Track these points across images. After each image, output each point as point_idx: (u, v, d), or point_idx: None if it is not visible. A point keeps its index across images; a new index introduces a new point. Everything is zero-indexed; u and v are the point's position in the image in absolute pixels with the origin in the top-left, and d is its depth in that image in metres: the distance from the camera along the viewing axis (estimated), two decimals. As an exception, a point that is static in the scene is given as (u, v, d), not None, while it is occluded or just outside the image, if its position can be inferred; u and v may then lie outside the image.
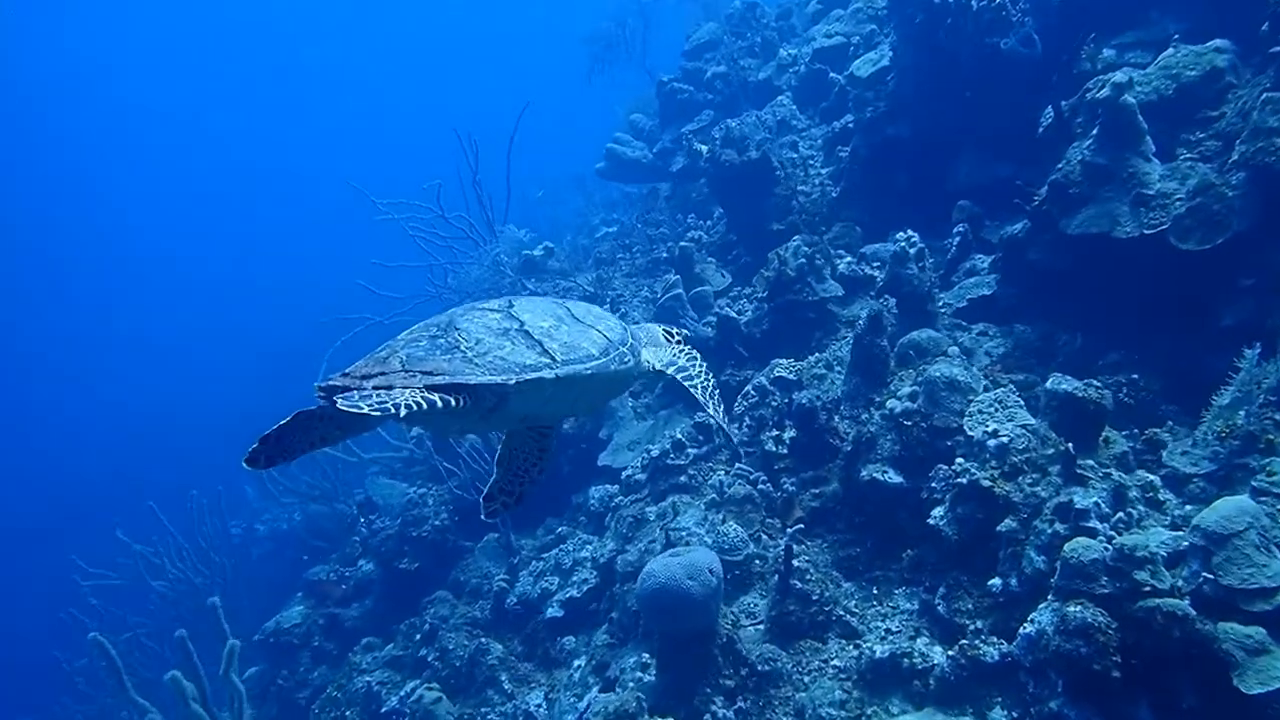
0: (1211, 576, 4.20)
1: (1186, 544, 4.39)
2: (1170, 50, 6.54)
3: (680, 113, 13.29)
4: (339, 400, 2.58)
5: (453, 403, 2.86)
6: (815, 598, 5.58)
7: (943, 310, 7.37)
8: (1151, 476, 4.90)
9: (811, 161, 10.24)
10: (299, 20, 58.31)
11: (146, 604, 12.89)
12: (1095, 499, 4.68)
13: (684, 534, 6.39)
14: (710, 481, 6.95)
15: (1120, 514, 4.65)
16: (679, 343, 4.13)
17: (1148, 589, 4.21)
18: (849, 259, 8.04)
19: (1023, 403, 5.49)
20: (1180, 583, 4.34)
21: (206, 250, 49.23)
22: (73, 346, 40.06)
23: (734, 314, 8.17)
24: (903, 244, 6.95)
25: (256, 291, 41.41)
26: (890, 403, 5.91)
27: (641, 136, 14.40)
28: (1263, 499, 4.54)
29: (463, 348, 3.03)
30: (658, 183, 14.03)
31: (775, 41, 12.91)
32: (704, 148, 10.05)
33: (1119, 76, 6.19)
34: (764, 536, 6.37)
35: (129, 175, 53.99)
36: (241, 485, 13.77)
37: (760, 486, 6.63)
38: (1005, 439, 5.14)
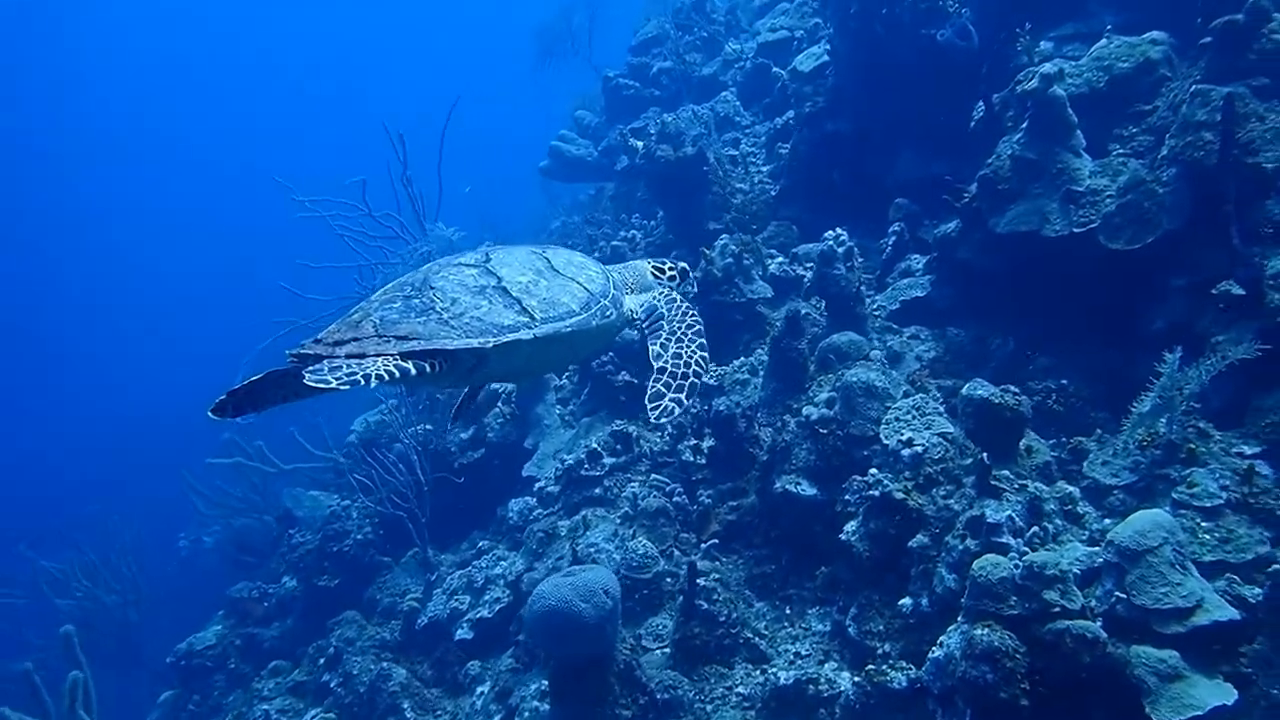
0: (1125, 596, 4.02)
1: (1101, 561, 4.22)
2: (1103, 41, 6.43)
3: (627, 109, 13.08)
4: (306, 375, 2.54)
5: (428, 369, 2.83)
6: (722, 619, 5.35)
7: (876, 312, 7.20)
8: (1070, 488, 4.73)
9: (753, 159, 10.07)
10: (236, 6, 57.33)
11: (52, 625, 12.44)
12: (1009, 513, 4.49)
13: (593, 550, 6.15)
14: (625, 493, 6.71)
15: (1035, 528, 4.47)
16: (671, 276, 4.02)
17: (1057, 610, 4.02)
18: (780, 259, 7.86)
19: (943, 410, 5.30)
20: (1094, 602, 4.17)
21: (124, 244, 48.09)
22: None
23: (660, 316, 7.94)
24: (830, 243, 6.76)
25: (178, 291, 40.52)
26: (806, 410, 5.71)
27: (587, 134, 14.16)
28: (1182, 512, 4.40)
29: (438, 308, 2.97)
30: (604, 182, 13.81)
31: (722, 36, 12.75)
32: (639, 144, 9.82)
33: (1048, 68, 6.06)
34: (676, 552, 6.13)
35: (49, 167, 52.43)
36: (191, 497, 13.31)
37: (676, 499, 6.40)
38: (920, 448, 4.95)
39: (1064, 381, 5.79)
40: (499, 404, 9.14)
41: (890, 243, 7.71)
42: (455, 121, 12.72)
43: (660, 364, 3.45)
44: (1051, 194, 5.96)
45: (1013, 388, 4.89)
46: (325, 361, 2.68)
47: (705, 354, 3.57)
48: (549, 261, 3.45)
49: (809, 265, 7.60)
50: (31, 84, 52.07)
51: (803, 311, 6.33)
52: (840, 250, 6.74)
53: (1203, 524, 4.34)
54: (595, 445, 7.20)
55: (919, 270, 7.37)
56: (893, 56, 7.92)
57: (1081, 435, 5.39)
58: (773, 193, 9.31)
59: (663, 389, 3.37)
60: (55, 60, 53.20)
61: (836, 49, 8.60)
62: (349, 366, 2.63)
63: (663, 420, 3.37)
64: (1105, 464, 4.85)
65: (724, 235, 7.88)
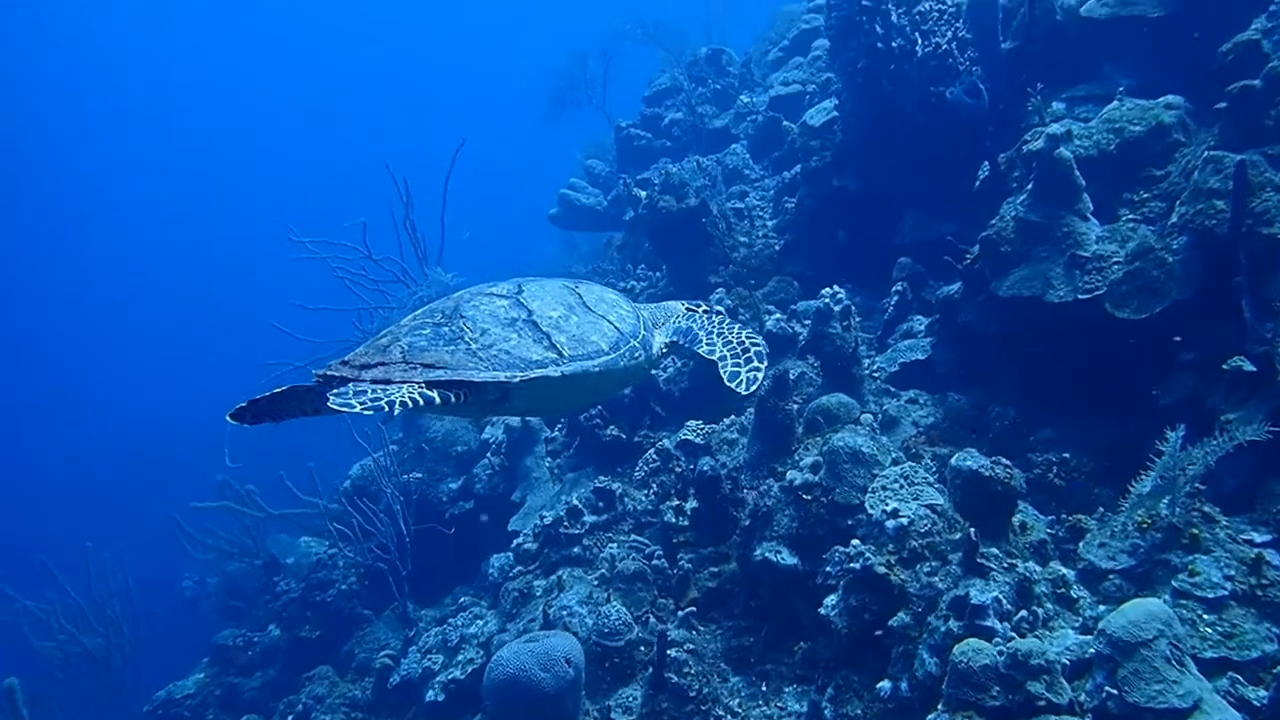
0: (1116, 692, 3.75)
1: (1093, 651, 3.96)
2: (1115, 103, 6.28)
3: (637, 159, 13.11)
4: (331, 398, 2.58)
5: (452, 399, 2.84)
6: (693, 694, 5.09)
7: (875, 374, 7.01)
8: (1064, 570, 4.48)
9: (759, 212, 9.98)
10: (249, 51, 58.62)
11: (29, 667, 12.22)
12: (995, 594, 4.24)
13: (565, 613, 5.90)
14: (604, 554, 6.49)
15: (1023, 612, 4.22)
16: (704, 314, 4.08)
17: (1043, 703, 3.77)
18: (778, 315, 7.69)
19: (933, 480, 5.09)
20: (1083, 697, 3.90)
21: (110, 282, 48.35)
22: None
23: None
24: (827, 300, 6.60)
25: (171, 329, 40.66)
26: (790, 474, 5.50)
27: (598, 183, 14.19)
28: (1183, 602, 4.14)
29: (467, 338, 2.99)
30: (613, 231, 13.77)
31: (735, 89, 12.78)
32: (643, 194, 9.77)
33: (1055, 128, 5.93)
34: (653, 619, 5.87)
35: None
36: (181, 539, 13.14)
37: (654, 562, 6.17)
38: (905, 520, 4.72)
39: (1066, 455, 5.56)
40: (488, 455, 8.97)
41: (892, 303, 7.54)
42: (473, 166, 12.78)
43: (718, 355, 3.71)
44: (1056, 258, 5.79)
45: (1004, 460, 4.66)
46: (351, 385, 2.70)
47: (750, 330, 3.84)
48: (581, 297, 3.45)
49: (807, 322, 7.44)
50: (40, 126, 53.16)
51: (792, 372, 6.15)
52: (837, 308, 6.58)
53: (1204, 616, 4.08)
54: (576, 502, 6.99)
55: (921, 332, 7.19)
56: (900, 113, 7.82)
57: (1083, 512, 5.14)
58: (777, 247, 9.19)
59: (734, 368, 3.64)
60: (63, 102, 54.40)
61: (844, 104, 8.54)
62: (373, 392, 2.64)
63: (752, 389, 3.59)
64: (1102, 546, 4.59)
65: (719, 289, 7.74)
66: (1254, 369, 4.77)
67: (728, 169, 10.99)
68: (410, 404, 2.66)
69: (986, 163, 6.72)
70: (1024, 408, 6.01)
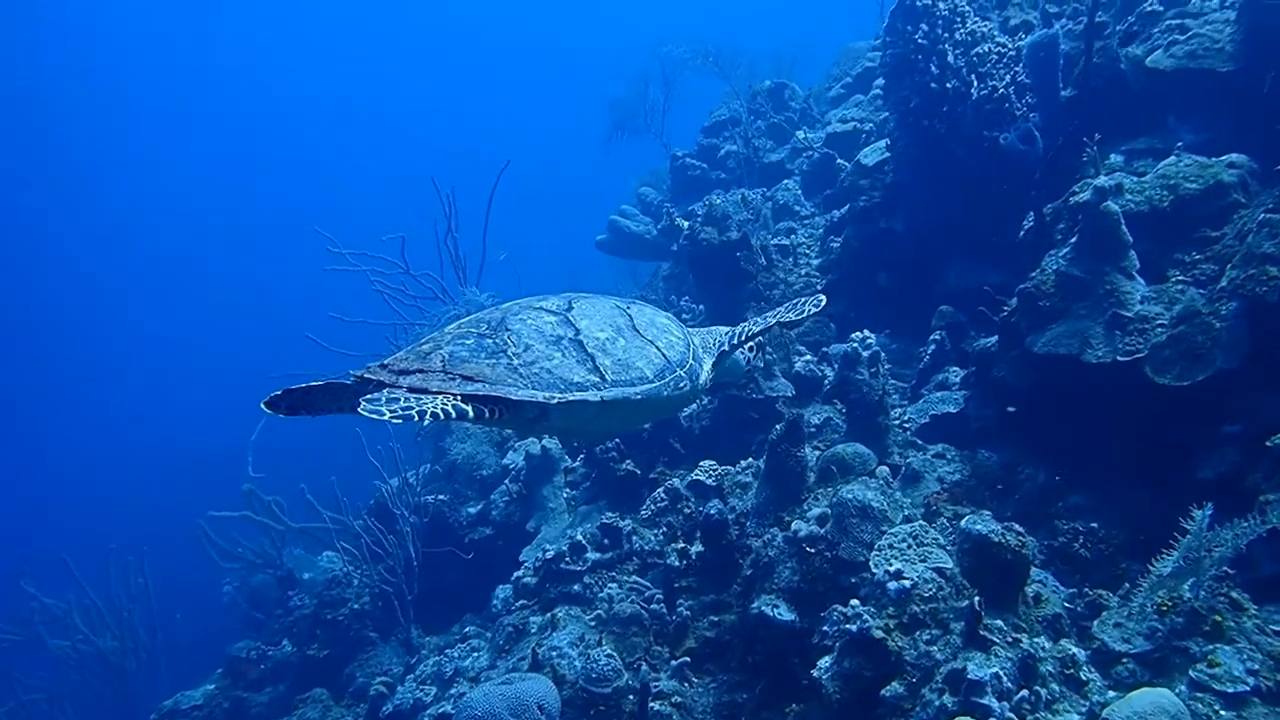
0: (1114, 787, 3.57)
1: (1094, 741, 3.78)
2: (1172, 158, 6.10)
3: (691, 189, 13.15)
4: (362, 405, 2.60)
5: (486, 414, 2.83)
6: (674, 751, 4.97)
7: (905, 424, 6.85)
8: (1074, 649, 4.28)
9: (805, 250, 9.88)
10: (316, 68, 60.42)
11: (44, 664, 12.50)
12: (995, 669, 4.07)
13: (554, 654, 5.81)
14: (603, 594, 6.40)
15: (1024, 692, 4.04)
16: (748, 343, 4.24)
17: (1032, 793, 3.59)
18: (808, 357, 7.57)
19: (945, 541, 4.92)
20: (1080, 789, 3.72)
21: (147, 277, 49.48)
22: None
23: (673, 407, 7.72)
24: (855, 345, 6.48)
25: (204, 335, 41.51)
26: (796, 524, 5.37)
27: (649, 211, 14.21)
28: (1198, 695, 3.93)
29: (509, 353, 2.99)
30: (662, 261, 13.79)
31: (794, 123, 12.74)
32: (685, 223, 9.76)
33: (1104, 180, 5.76)
34: (645, 666, 5.76)
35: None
36: (206, 548, 13.36)
37: (653, 606, 6.06)
38: (908, 582, 4.57)
39: (1095, 524, 5.35)
40: (506, 481, 8.97)
41: (929, 351, 7.38)
42: (529, 187, 12.96)
43: (776, 320, 4.05)
44: (1096, 316, 5.61)
45: (1017, 526, 4.50)
46: (385, 390, 2.70)
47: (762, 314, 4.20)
48: (631, 319, 3.44)
49: (836, 365, 7.33)
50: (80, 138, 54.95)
51: (815, 418, 6.04)
52: (865, 354, 6.47)
53: (1222, 712, 3.87)
54: (580, 538, 6.92)
55: (955, 384, 7.02)
56: (952, 156, 7.71)
57: (1108, 587, 4.93)
58: (819, 287, 9.08)
59: (800, 310, 4.11)
60: (108, 106, 56.33)
61: (896, 144, 8.44)
62: (406, 400, 2.63)
63: (824, 303, 4.16)
64: (1118, 626, 4.38)
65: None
66: (1299, 448, 4.55)
67: (778, 204, 10.91)
68: (443, 416, 2.65)
69: (1031, 213, 6.56)
70: (1055, 471, 5.81)
